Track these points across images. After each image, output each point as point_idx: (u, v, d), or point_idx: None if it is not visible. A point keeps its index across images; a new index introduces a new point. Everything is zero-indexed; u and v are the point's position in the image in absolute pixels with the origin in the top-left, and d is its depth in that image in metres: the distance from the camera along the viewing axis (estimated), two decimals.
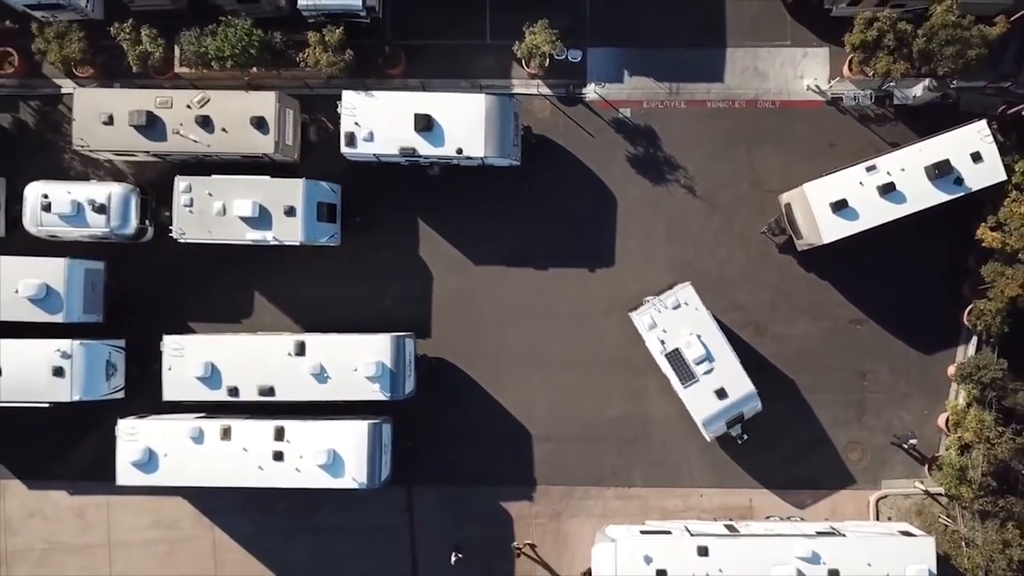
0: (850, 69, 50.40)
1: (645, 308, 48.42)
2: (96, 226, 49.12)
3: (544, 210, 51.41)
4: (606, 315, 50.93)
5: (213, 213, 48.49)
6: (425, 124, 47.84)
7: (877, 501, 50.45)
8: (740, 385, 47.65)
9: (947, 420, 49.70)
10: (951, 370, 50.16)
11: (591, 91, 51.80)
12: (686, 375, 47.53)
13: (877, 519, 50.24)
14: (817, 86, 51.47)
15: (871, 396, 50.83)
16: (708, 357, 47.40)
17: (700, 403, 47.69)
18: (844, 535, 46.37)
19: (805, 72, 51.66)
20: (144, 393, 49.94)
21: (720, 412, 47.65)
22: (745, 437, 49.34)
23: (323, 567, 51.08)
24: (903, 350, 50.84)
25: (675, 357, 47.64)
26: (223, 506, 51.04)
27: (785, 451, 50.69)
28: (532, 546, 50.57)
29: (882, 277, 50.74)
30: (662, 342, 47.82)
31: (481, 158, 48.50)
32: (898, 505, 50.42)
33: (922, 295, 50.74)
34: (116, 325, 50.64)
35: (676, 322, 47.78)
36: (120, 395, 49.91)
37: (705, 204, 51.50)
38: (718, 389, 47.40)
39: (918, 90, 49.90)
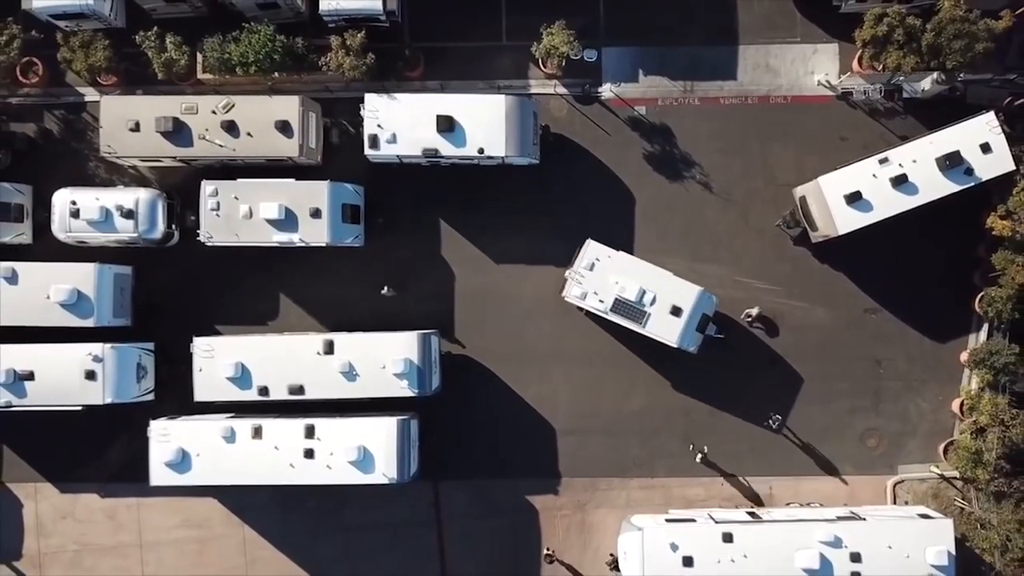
0: (860, 64, 51.39)
1: (570, 284, 49.52)
2: (124, 231, 49.55)
3: (563, 207, 52.20)
4: None
5: (240, 216, 49.07)
6: (447, 125, 48.59)
7: (894, 486, 51.49)
8: (687, 294, 48.81)
9: (961, 405, 50.80)
10: (964, 356, 51.15)
11: (607, 90, 52.66)
12: (637, 315, 48.71)
13: (894, 503, 51.33)
14: (828, 81, 52.46)
15: (887, 384, 51.76)
16: (643, 289, 48.54)
17: (664, 329, 48.83)
18: (864, 519, 47.39)
19: (815, 68, 52.64)
20: (174, 395, 50.65)
21: (686, 327, 48.73)
22: (722, 335, 50.30)
23: (353, 563, 51.80)
24: (917, 338, 51.77)
25: (620, 306, 48.81)
26: (252, 504, 51.70)
27: (804, 439, 51.62)
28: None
29: (895, 267, 51.67)
30: (601, 301, 48.94)
31: (502, 158, 49.33)
32: (914, 489, 51.44)
33: (934, 284, 51.71)
34: (145, 328, 51.23)
35: (600, 278, 49.01)
36: (151, 397, 50.48)
37: (720, 199, 52.43)
38: (672, 309, 48.55)
39: (926, 83, 50.96)
